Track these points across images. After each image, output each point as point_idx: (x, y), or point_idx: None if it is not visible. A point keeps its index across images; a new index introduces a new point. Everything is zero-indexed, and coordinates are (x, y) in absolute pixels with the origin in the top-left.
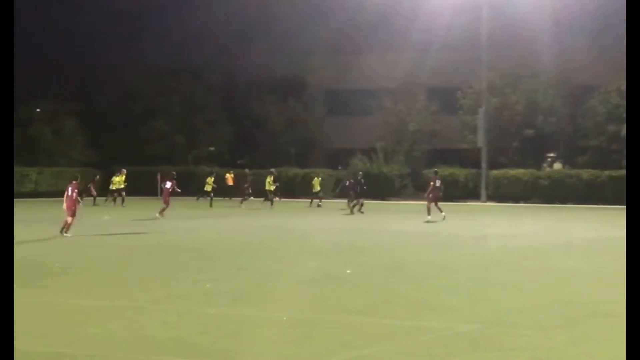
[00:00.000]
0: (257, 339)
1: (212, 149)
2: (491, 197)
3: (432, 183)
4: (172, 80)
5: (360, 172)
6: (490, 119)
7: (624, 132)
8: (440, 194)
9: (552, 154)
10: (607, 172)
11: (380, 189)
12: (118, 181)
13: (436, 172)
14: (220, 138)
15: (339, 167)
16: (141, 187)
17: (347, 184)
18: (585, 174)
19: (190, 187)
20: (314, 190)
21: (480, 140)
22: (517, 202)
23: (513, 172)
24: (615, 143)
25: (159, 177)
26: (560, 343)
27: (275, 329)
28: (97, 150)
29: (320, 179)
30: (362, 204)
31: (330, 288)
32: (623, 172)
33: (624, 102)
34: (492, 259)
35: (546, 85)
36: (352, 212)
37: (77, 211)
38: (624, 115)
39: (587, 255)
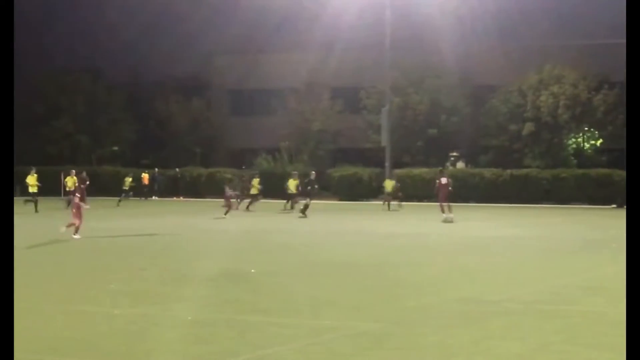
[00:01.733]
0: (161, 339)
1: (115, 148)
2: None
3: (438, 181)
4: (75, 80)
5: (313, 172)
6: (393, 119)
7: (525, 131)
8: (450, 189)
9: (455, 153)
10: (508, 171)
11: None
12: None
13: (442, 171)
14: (124, 138)
15: (243, 167)
16: (44, 187)
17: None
18: (488, 172)
19: (94, 187)
20: (288, 192)
21: (384, 140)
22: (420, 201)
23: (416, 171)
24: (516, 142)
25: (62, 176)
26: (462, 341)
27: (179, 329)
28: None
29: (297, 180)
30: (306, 206)
31: (235, 288)
32: (524, 171)
33: (524, 102)
34: (395, 258)
35: (449, 85)
36: (291, 208)
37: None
38: (525, 114)
39: (487, 254)
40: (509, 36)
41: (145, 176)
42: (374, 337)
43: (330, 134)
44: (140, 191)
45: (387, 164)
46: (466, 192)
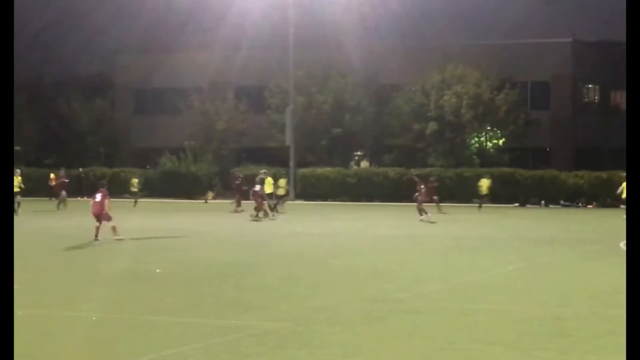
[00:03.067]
0: (65, 340)
1: (17, 148)
2: (299, 196)
3: (420, 187)
4: None
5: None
6: (298, 118)
7: (428, 130)
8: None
9: (359, 153)
10: (412, 170)
11: (188, 188)
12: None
13: (417, 175)
14: (26, 137)
15: (148, 167)
16: None
17: (239, 182)
18: (392, 172)
19: None
20: (278, 193)
21: (288, 139)
22: (325, 200)
23: (321, 170)
24: (420, 141)
25: None
26: (368, 340)
27: (84, 329)
28: None
29: (286, 179)
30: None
31: (139, 287)
32: (428, 170)
33: (428, 101)
34: (299, 257)
35: (353, 84)
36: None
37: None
38: (429, 114)
39: (391, 252)
40: (412, 35)
41: (53, 177)
42: (278, 337)
43: (235, 134)
44: (50, 192)
45: (291, 163)
46: (371, 191)
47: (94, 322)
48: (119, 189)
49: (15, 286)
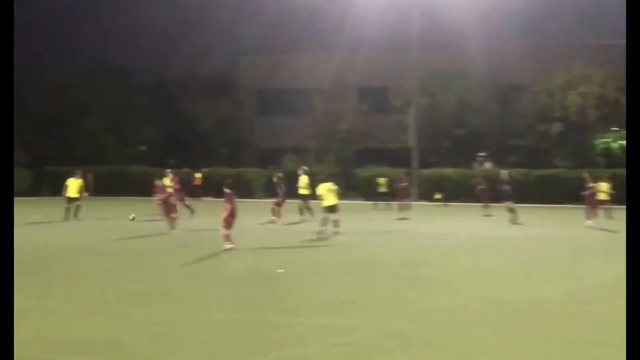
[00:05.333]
0: (186, 339)
1: (142, 148)
2: (422, 197)
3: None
4: (102, 79)
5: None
6: (421, 119)
7: (552, 131)
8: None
9: (482, 153)
10: (536, 172)
11: (311, 188)
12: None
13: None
14: (151, 138)
15: (270, 167)
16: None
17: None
18: (515, 173)
19: (120, 187)
20: (379, 191)
21: (411, 140)
22: (447, 201)
23: (443, 171)
24: (544, 142)
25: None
26: (489, 341)
27: (204, 328)
28: (26, 150)
29: (387, 178)
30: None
31: (261, 288)
32: (552, 171)
33: (552, 102)
34: (420, 257)
35: (477, 85)
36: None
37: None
38: (553, 114)
39: (513, 253)
40: (537, 35)
41: (199, 176)
42: (399, 337)
43: (357, 134)
44: (193, 192)
45: (414, 164)
46: (494, 192)
47: (215, 322)
48: (241, 189)
49: (137, 285)
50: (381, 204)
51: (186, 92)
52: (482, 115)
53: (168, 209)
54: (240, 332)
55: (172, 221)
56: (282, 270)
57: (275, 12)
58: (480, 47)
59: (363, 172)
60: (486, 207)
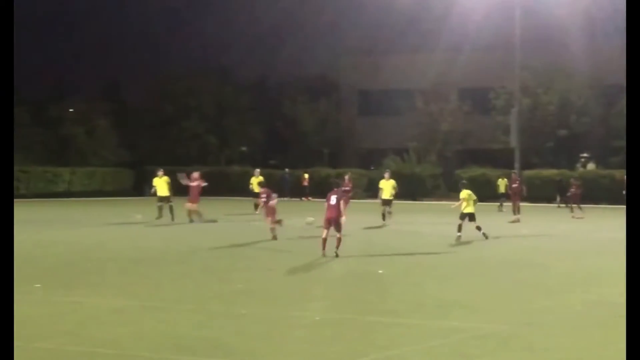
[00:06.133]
0: (287, 339)
1: (244, 149)
2: (524, 198)
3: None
4: (204, 80)
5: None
6: (523, 120)
7: None
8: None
9: (585, 154)
10: None
11: (412, 189)
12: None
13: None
14: (252, 138)
15: (372, 167)
16: (173, 187)
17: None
18: (619, 174)
19: (222, 188)
20: (499, 192)
21: (513, 141)
22: (550, 202)
23: (546, 172)
24: None
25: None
26: (590, 344)
27: (305, 328)
28: (130, 150)
29: (505, 180)
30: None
31: (361, 288)
32: None
33: None
34: (522, 259)
35: (579, 85)
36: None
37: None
38: None
39: (615, 255)
40: None
41: (305, 177)
42: (501, 339)
43: (459, 135)
44: (301, 191)
45: (516, 165)
46: (597, 193)
47: (315, 322)
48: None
49: (239, 285)
50: (503, 205)
51: (287, 92)
52: (585, 115)
53: (269, 212)
54: (341, 332)
55: (274, 225)
56: (382, 271)
57: (376, 12)
58: (583, 46)
59: (464, 172)
60: (576, 208)
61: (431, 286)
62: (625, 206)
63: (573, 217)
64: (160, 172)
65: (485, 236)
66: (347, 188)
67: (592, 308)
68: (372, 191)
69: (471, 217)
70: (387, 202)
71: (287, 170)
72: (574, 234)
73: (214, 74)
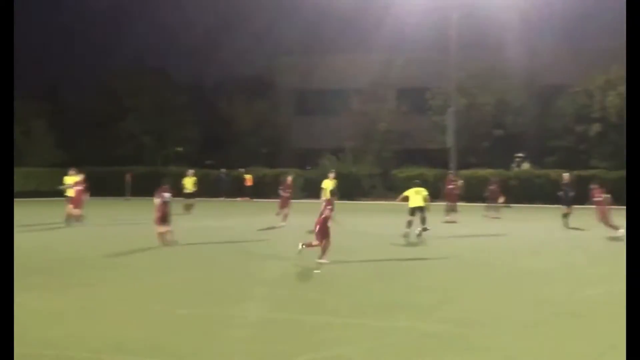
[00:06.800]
0: (227, 339)
1: (180, 149)
2: (461, 197)
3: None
4: (142, 80)
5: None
6: (459, 120)
7: (591, 132)
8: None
9: (520, 154)
10: (575, 173)
11: (349, 189)
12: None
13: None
14: (189, 138)
15: (308, 167)
16: (109, 187)
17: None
18: (553, 174)
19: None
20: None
21: (450, 141)
22: (484, 202)
23: (482, 172)
24: (582, 143)
25: (128, 178)
26: (530, 343)
27: (245, 328)
28: (67, 151)
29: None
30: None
31: (302, 288)
32: (591, 172)
33: (591, 102)
34: (463, 260)
35: (515, 85)
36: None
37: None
38: (592, 115)
39: (555, 255)
40: (576, 36)
41: (248, 177)
42: (440, 339)
43: (396, 135)
44: (244, 192)
45: (452, 165)
46: (532, 193)
47: (254, 322)
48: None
49: (179, 285)
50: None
51: (224, 92)
52: (521, 115)
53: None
54: (281, 332)
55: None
56: (319, 271)
57: (314, 13)
58: (520, 47)
59: (401, 172)
60: (491, 208)
61: (373, 286)
62: (560, 206)
63: (487, 216)
64: (72, 172)
65: (420, 231)
66: (285, 189)
67: (532, 307)
68: (308, 191)
69: (419, 210)
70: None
71: (223, 170)
72: (511, 233)
73: (152, 74)
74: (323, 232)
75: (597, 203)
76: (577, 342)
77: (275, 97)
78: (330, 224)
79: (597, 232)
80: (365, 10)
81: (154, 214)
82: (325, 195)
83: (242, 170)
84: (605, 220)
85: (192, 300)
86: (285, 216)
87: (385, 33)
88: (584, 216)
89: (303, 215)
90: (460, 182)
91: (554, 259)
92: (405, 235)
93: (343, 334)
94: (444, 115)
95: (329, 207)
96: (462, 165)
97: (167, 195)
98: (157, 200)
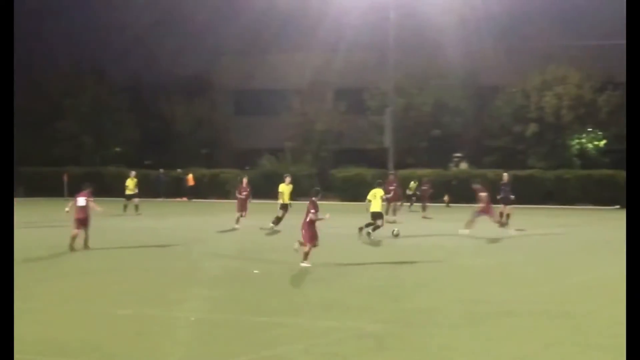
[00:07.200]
0: (166, 340)
1: (118, 149)
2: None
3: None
4: (80, 80)
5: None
6: (397, 120)
7: (528, 132)
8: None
9: (458, 154)
10: (512, 172)
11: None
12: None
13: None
14: (128, 138)
15: (247, 168)
16: (47, 188)
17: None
18: (491, 173)
19: (97, 188)
20: (409, 193)
21: (388, 141)
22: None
23: (420, 172)
24: (520, 143)
25: (65, 178)
26: (466, 342)
27: (184, 329)
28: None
29: (416, 182)
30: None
31: (241, 288)
32: (528, 172)
33: (528, 103)
34: (401, 259)
35: (453, 86)
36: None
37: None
38: (529, 115)
39: (492, 255)
40: (513, 37)
41: (190, 177)
42: (378, 338)
43: (334, 135)
44: (188, 192)
45: (390, 165)
46: (470, 193)
47: (192, 323)
48: (218, 190)
49: (116, 286)
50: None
51: (163, 93)
52: (459, 116)
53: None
54: (220, 332)
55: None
56: (257, 271)
57: (253, 13)
58: (457, 48)
59: (340, 172)
60: (425, 207)
61: (311, 286)
62: (498, 205)
63: (426, 216)
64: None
65: (361, 231)
66: (240, 191)
67: (467, 306)
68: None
69: (374, 215)
70: (285, 207)
71: (161, 170)
72: (450, 233)
73: (90, 74)
74: (310, 236)
75: (481, 201)
76: (512, 341)
77: (214, 97)
78: (316, 226)
79: (534, 231)
80: (305, 10)
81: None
82: (283, 199)
83: (180, 170)
84: (490, 215)
85: (132, 301)
86: (238, 220)
87: (324, 33)
88: (521, 216)
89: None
90: (413, 184)
91: (491, 258)
92: (366, 236)
93: (281, 334)
94: (382, 115)
95: (313, 210)
96: (400, 165)
97: (81, 199)
98: (73, 204)
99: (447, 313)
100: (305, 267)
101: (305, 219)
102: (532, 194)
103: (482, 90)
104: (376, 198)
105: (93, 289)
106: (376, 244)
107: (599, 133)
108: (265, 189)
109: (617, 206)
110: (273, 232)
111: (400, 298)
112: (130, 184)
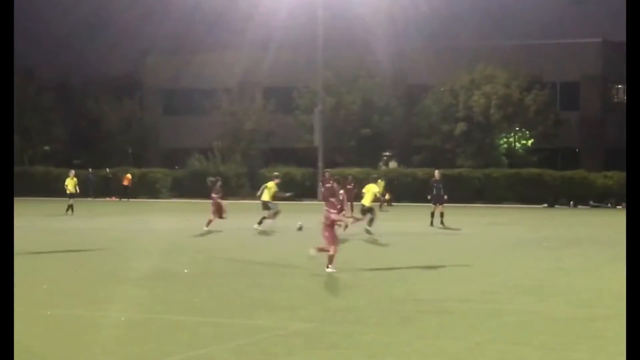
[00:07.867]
0: (93, 340)
1: (47, 148)
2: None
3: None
4: None
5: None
6: (326, 119)
7: (457, 131)
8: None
9: (387, 153)
10: (441, 171)
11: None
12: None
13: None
14: (56, 138)
15: (176, 167)
16: None
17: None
18: (420, 172)
19: (25, 188)
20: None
21: (317, 140)
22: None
23: (349, 171)
24: (449, 142)
25: None
26: (396, 340)
27: (111, 329)
28: None
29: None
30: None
31: (167, 288)
32: (456, 170)
33: (456, 102)
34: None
35: (382, 85)
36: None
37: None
38: (457, 114)
39: (421, 253)
40: (441, 36)
41: (128, 177)
42: (307, 337)
43: (263, 134)
44: (122, 191)
45: (319, 164)
46: (399, 191)
47: (122, 322)
48: (146, 189)
49: (44, 286)
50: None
51: (92, 92)
52: (388, 115)
53: None
54: (147, 332)
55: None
56: (187, 271)
57: (182, 12)
58: (386, 47)
59: (269, 171)
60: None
61: (238, 285)
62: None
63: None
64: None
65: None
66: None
67: (399, 304)
68: (176, 190)
69: (364, 210)
70: (267, 205)
71: (90, 170)
72: (380, 232)
73: (17, 72)
74: (333, 238)
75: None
76: (443, 339)
77: (143, 96)
78: (336, 227)
79: (467, 230)
80: (233, 9)
81: None
82: (270, 197)
83: (108, 170)
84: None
85: (62, 302)
86: (210, 222)
87: (253, 32)
88: (451, 215)
89: (171, 216)
90: (381, 182)
91: (422, 256)
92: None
93: (210, 333)
94: (311, 114)
95: (333, 211)
96: (330, 164)
97: None
98: None
99: (376, 312)
100: (329, 272)
101: (327, 220)
102: (461, 192)
103: (411, 89)
104: (369, 192)
105: (21, 289)
106: (306, 243)
107: (527, 132)
108: (193, 189)
109: (545, 205)
110: (208, 233)
111: (329, 297)
112: (70, 184)
